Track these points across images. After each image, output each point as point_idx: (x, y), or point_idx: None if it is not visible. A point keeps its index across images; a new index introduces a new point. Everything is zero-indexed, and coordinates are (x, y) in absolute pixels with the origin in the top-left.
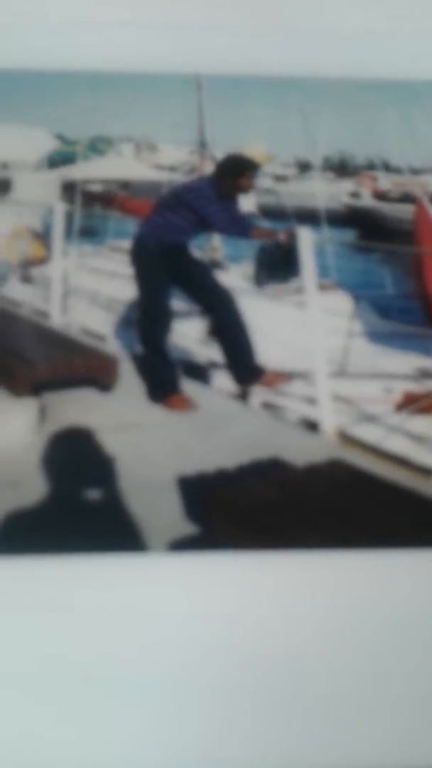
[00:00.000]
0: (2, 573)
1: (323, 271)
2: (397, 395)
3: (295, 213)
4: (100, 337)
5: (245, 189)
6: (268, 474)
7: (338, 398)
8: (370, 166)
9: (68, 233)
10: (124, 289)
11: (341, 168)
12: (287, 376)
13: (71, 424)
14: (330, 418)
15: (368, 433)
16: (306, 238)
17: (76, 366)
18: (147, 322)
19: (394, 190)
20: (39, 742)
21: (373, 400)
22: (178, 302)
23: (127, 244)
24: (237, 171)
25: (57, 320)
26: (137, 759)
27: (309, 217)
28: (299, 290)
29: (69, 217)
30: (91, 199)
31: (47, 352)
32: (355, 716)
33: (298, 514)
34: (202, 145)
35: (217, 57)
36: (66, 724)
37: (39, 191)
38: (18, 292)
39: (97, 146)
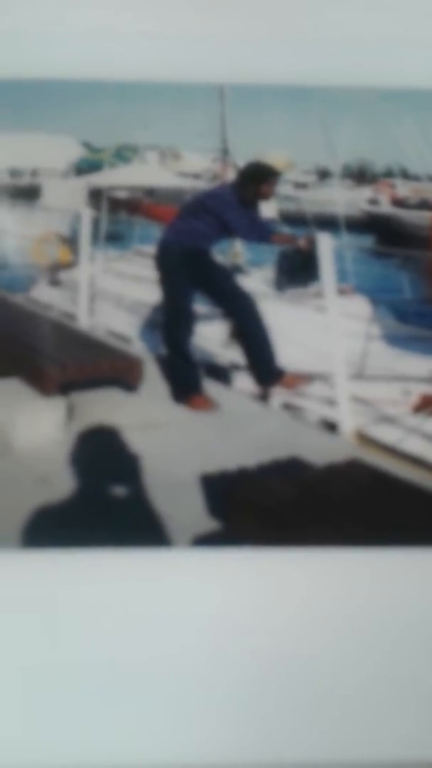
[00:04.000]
0: (31, 566)
1: (342, 275)
2: (415, 397)
3: (314, 219)
4: (126, 339)
5: (266, 196)
6: (288, 473)
7: (357, 400)
8: (389, 174)
9: (95, 238)
10: (149, 292)
11: (360, 175)
12: (307, 378)
13: (98, 423)
14: (349, 419)
15: (386, 434)
16: (325, 244)
17: (103, 367)
18: (171, 325)
19: (412, 197)
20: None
21: (391, 401)
22: (200, 306)
23: (151, 249)
24: (258, 178)
25: (84, 322)
26: (160, 754)
27: (328, 223)
28: (319, 294)
29: (95, 223)
30: (116, 205)
31: (75, 354)
32: (378, 712)
33: (317, 512)
34: (225, 153)
35: (240, 67)
36: (90, 714)
37: (67, 198)
38: (46, 295)
39: (123, 154)
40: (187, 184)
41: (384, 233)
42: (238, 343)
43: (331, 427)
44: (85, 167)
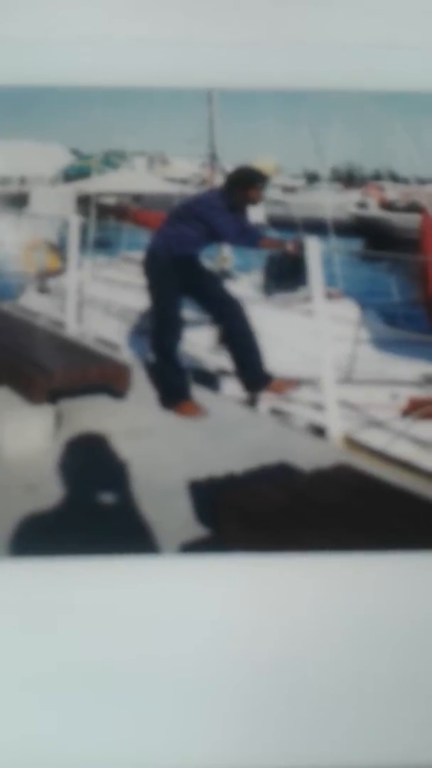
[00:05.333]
0: (19, 574)
1: (330, 279)
2: (403, 401)
3: (303, 223)
4: (114, 346)
5: (255, 200)
6: (276, 478)
7: (345, 404)
8: (377, 177)
9: (83, 245)
10: (137, 299)
11: (349, 179)
12: (295, 383)
13: (86, 430)
14: (337, 424)
15: (374, 439)
16: (314, 248)
17: (91, 374)
18: (159, 331)
19: (400, 200)
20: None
21: (379, 406)
22: (188, 311)
23: (139, 255)
24: (246, 183)
25: (72, 329)
26: (152, 760)
27: (317, 227)
28: (307, 299)
29: (84, 230)
30: (105, 211)
31: (63, 361)
32: (360, 714)
33: (305, 517)
34: (213, 158)
35: (228, 72)
36: (78, 722)
37: (55, 205)
38: (35, 302)
39: (111, 160)
40: (175, 189)
41: (373, 237)
42: (227, 349)
43: (319, 431)
44: (73, 174)
